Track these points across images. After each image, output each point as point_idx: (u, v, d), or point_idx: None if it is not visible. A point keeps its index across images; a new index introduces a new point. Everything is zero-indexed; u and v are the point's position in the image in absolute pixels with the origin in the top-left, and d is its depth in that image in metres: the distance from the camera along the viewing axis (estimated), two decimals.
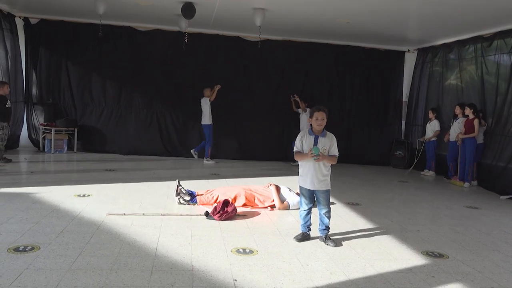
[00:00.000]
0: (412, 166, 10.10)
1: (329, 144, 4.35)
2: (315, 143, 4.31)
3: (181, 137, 10.58)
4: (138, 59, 10.31)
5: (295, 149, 4.45)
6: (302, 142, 4.41)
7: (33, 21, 10.03)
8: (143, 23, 10.20)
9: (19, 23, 9.93)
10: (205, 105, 9.80)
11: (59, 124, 9.82)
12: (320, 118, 4.29)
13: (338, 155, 4.39)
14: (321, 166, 4.33)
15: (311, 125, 4.40)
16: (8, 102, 8.30)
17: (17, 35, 9.87)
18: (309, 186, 4.38)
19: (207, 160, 9.84)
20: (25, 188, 6.06)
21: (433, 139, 9.67)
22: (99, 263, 3.51)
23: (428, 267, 3.92)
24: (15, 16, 9.79)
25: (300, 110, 10.17)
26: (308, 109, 9.81)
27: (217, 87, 9.71)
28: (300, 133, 4.49)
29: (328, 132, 4.40)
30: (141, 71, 10.34)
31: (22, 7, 9.39)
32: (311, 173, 4.33)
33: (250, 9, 8.16)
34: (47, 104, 10.23)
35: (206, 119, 9.84)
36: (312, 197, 4.47)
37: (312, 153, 4.22)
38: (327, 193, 4.41)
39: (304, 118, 9.97)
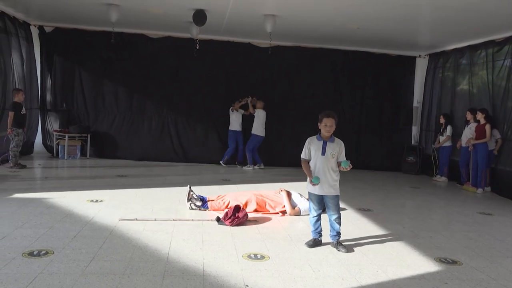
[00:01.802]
0: (436, 173, 9.93)
1: (338, 150, 4.33)
2: (323, 149, 4.29)
3: (192, 143, 10.61)
4: (150, 66, 10.40)
5: (302, 156, 4.44)
6: (309, 148, 4.39)
7: (47, 29, 10.20)
8: (155, 31, 10.30)
9: (34, 31, 10.10)
10: (256, 117, 10.04)
11: (72, 130, 9.93)
12: (329, 124, 4.27)
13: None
14: (330, 171, 4.31)
15: (319, 130, 4.38)
16: (23, 109, 8.42)
17: (32, 43, 10.05)
18: (318, 192, 4.36)
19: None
20: (39, 193, 6.13)
21: (447, 144, 9.56)
22: (112, 267, 3.53)
23: (441, 273, 3.87)
24: (30, 25, 9.96)
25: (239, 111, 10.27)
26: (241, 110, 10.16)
27: (245, 100, 10.20)
28: (307, 139, 4.46)
29: (336, 138, 4.38)
30: (152, 78, 10.43)
31: (37, 15, 9.56)
32: (321, 179, 4.31)
33: (260, 16, 8.20)
34: (61, 111, 10.36)
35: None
36: (321, 203, 4.45)
37: (312, 183, 4.28)
38: (336, 198, 4.39)
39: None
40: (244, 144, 10.26)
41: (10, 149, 8.20)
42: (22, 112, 8.33)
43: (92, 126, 10.39)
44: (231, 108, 10.23)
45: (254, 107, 10.14)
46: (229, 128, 10.24)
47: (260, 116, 9.99)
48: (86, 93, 10.41)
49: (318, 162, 4.31)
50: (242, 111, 10.27)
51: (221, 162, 10.23)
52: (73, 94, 10.41)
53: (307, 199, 5.87)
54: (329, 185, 4.33)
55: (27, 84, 9.71)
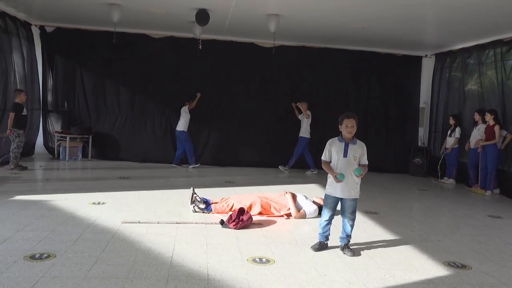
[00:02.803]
0: (440, 177, 9.85)
1: (360, 152, 4.30)
2: (345, 151, 4.26)
3: (195, 144, 10.58)
4: (152, 66, 10.42)
5: (322, 158, 4.41)
6: (330, 150, 4.35)
7: (48, 29, 10.22)
8: (157, 30, 10.31)
9: (35, 31, 10.13)
10: (185, 113, 9.88)
11: (73, 131, 9.95)
12: (350, 126, 4.24)
13: (367, 164, 4.35)
14: (352, 174, 4.28)
15: (340, 132, 4.36)
16: (24, 110, 8.44)
17: (34, 43, 10.07)
18: (339, 195, 4.32)
19: (192, 167, 9.88)
20: (41, 195, 6.13)
21: (455, 146, 9.53)
22: (114, 271, 3.52)
23: (450, 278, 3.84)
24: (31, 25, 9.99)
25: (301, 116, 10.15)
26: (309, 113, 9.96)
27: (198, 95, 9.99)
28: (328, 141, 4.41)
29: (358, 140, 4.35)
30: (154, 78, 10.44)
31: (38, 15, 9.59)
32: (342, 182, 4.27)
33: (264, 15, 8.20)
34: (62, 112, 10.39)
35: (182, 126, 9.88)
36: (336, 207, 4.42)
37: (337, 179, 4.21)
38: (355, 201, 4.37)
39: (305, 123, 10.04)
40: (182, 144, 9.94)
41: (11, 150, 8.22)
42: (23, 113, 8.35)
43: (94, 127, 10.40)
44: (187, 106, 9.90)
45: (298, 109, 10.12)
46: (181, 129, 9.86)
47: (309, 118, 9.98)
48: (88, 93, 10.43)
49: (339, 164, 4.27)
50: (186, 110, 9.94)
51: (174, 163, 9.99)
52: (75, 95, 10.43)
53: (313, 202, 5.90)
54: (350, 188, 4.30)
55: (28, 85, 9.75)
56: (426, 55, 11.36)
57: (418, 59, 11.40)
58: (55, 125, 10.41)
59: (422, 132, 11.45)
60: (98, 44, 10.24)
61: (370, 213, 6.21)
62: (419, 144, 11.34)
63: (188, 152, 9.97)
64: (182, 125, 9.91)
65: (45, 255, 3.78)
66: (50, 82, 10.39)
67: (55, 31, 10.24)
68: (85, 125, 10.29)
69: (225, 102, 10.59)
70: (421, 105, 11.47)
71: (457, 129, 9.51)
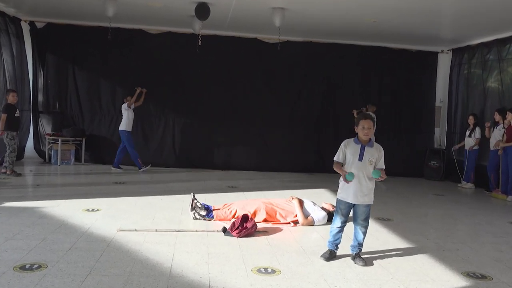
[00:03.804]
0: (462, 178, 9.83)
1: (377, 155, 4.29)
2: (361, 154, 4.24)
3: (195, 146, 10.62)
4: (149, 64, 10.45)
5: (335, 159, 4.39)
6: (345, 151, 4.33)
7: (39, 25, 10.27)
8: (155, 26, 10.35)
9: (25, 27, 10.17)
10: (125, 111, 9.62)
11: (65, 133, 9.99)
12: (366, 127, 4.23)
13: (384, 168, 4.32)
14: (366, 179, 4.27)
15: (356, 134, 4.35)
16: (17, 111, 8.47)
17: (23, 39, 10.12)
18: (351, 200, 4.31)
19: (142, 170, 9.58)
20: (31, 202, 6.14)
21: (475, 147, 9.48)
22: (110, 283, 3.53)
23: None
24: (20, 20, 10.04)
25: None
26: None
27: (138, 90, 9.69)
28: (344, 141, 4.40)
29: (376, 143, 4.35)
30: (152, 76, 10.45)
31: (28, 10, 9.63)
32: (355, 186, 4.25)
33: (268, 9, 8.21)
34: (54, 113, 10.43)
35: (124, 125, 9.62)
36: (348, 214, 4.42)
37: (346, 180, 4.18)
38: (368, 208, 4.36)
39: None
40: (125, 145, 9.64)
41: (7, 155, 8.22)
42: (16, 115, 8.39)
43: (87, 129, 10.44)
44: (126, 103, 9.63)
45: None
46: (122, 129, 9.54)
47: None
48: (81, 93, 10.47)
49: (353, 168, 4.25)
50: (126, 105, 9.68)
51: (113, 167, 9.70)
52: (67, 95, 10.48)
53: (322, 208, 5.89)
54: (364, 194, 4.28)
55: (18, 84, 9.79)
56: (442, 51, 11.34)
57: (434, 55, 11.38)
58: (46, 127, 10.45)
59: (439, 133, 11.42)
60: (92, 40, 10.28)
61: (383, 220, 6.19)
62: (435, 145, 11.30)
63: (131, 155, 9.59)
64: (123, 124, 9.57)
65: (36, 266, 3.79)
66: (41, 81, 10.45)
67: (46, 26, 10.30)
68: (78, 127, 10.33)
69: (226, 101, 10.61)
70: (437, 104, 11.45)
71: (477, 129, 9.47)
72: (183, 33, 10.31)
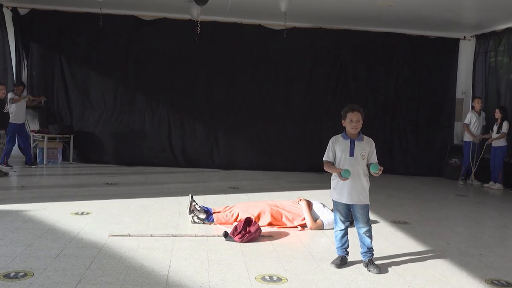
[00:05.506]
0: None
1: (369, 149, 4.33)
2: (351, 149, 4.28)
3: (193, 144, 10.64)
4: (144, 53, 10.48)
5: (324, 159, 4.44)
6: (333, 148, 4.38)
7: (22, 12, 10.29)
8: (149, 11, 10.37)
9: (7, 14, 10.20)
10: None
11: (52, 130, 10.02)
12: (355, 120, 4.27)
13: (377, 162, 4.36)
14: (360, 176, 4.31)
15: (345, 128, 4.38)
16: (6, 106, 8.50)
17: (6, 28, 10.15)
18: (345, 200, 4.35)
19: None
20: (15, 205, 6.18)
21: (502, 144, 9.43)
22: None
23: None
24: (2, 6, 10.05)
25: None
26: None
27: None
28: (331, 138, 4.45)
29: (365, 136, 4.39)
30: (146, 67, 10.50)
31: None
32: (348, 185, 4.30)
33: None
34: (39, 108, 10.46)
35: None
36: (349, 214, 4.44)
37: (342, 177, 4.21)
38: (366, 208, 4.38)
39: None
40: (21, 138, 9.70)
41: None
42: (4, 111, 8.43)
43: (76, 125, 10.48)
44: (13, 95, 9.43)
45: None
46: (16, 122, 9.39)
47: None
48: (69, 86, 10.50)
49: (345, 165, 4.29)
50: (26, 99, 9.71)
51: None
52: (53, 88, 10.50)
53: (332, 210, 5.89)
54: (359, 193, 4.32)
55: (0, 76, 9.80)
56: (464, 37, 11.31)
57: (455, 42, 11.35)
58: (31, 124, 10.50)
59: (460, 128, 11.39)
60: (81, 28, 10.32)
61: (399, 223, 6.20)
62: (456, 141, 11.27)
63: (4, 147, 9.22)
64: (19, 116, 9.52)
65: (21, 274, 3.82)
66: (24, 73, 10.48)
67: (30, 13, 10.32)
68: (66, 123, 10.37)
69: (227, 94, 10.64)
70: (459, 95, 11.42)
71: (505, 123, 9.42)
72: (180, 20, 10.32)
